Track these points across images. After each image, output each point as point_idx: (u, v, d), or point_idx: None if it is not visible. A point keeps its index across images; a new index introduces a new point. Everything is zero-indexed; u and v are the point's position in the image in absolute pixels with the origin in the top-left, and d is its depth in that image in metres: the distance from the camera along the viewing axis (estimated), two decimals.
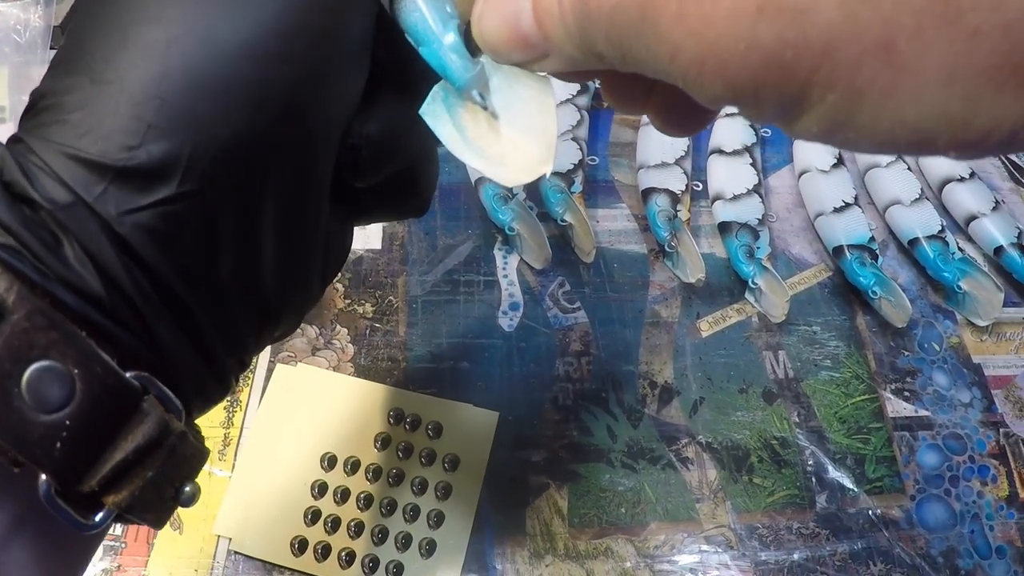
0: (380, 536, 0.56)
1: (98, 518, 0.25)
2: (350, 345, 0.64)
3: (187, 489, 0.27)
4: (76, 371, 0.23)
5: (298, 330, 0.64)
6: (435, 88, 0.26)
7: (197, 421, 0.30)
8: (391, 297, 0.67)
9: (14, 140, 0.25)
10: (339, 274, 0.66)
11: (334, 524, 0.56)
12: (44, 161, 0.23)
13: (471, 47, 0.25)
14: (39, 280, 0.23)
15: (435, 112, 0.26)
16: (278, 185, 0.27)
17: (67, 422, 0.23)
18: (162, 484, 0.26)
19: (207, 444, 0.58)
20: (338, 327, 0.65)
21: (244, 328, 0.28)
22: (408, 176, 0.34)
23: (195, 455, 0.27)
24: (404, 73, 0.30)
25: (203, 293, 0.26)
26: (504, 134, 0.25)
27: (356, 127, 0.30)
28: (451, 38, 0.25)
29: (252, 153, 0.26)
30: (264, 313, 0.29)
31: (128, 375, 0.24)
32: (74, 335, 0.23)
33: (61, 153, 0.24)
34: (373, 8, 0.28)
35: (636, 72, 0.21)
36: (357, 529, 0.56)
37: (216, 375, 0.28)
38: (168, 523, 0.55)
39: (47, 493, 0.23)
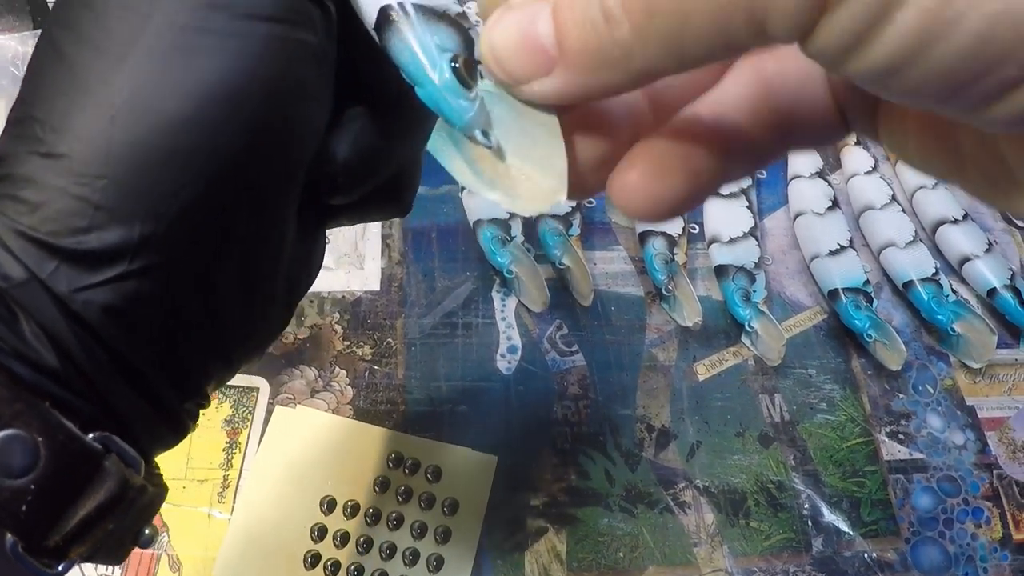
0: None
1: (61, 567, 0.25)
2: (349, 387, 0.65)
3: (146, 532, 0.28)
4: (40, 439, 0.23)
5: (297, 372, 0.64)
6: (439, 122, 0.25)
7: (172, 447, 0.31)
8: (390, 339, 0.67)
9: None
10: (338, 315, 0.67)
11: (334, 568, 0.57)
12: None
13: (465, 80, 0.24)
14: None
15: (442, 147, 0.25)
16: (236, 239, 0.27)
17: (32, 486, 0.23)
18: (122, 533, 0.26)
19: (206, 487, 0.58)
20: (337, 369, 0.65)
21: (202, 376, 0.29)
22: (389, 186, 0.34)
23: (154, 501, 0.28)
24: (383, 89, 0.30)
25: (160, 355, 0.27)
26: (513, 166, 0.25)
27: (332, 149, 0.30)
28: (444, 76, 0.24)
29: (206, 219, 0.26)
30: (224, 358, 0.29)
31: (90, 437, 0.25)
32: (37, 406, 0.24)
33: (13, 229, 0.24)
34: (331, 43, 0.28)
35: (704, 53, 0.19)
36: (357, 573, 0.57)
37: (172, 425, 0.28)
38: (168, 565, 0.55)
39: (14, 548, 0.24)
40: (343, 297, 0.69)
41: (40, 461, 0.23)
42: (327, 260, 0.68)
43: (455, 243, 0.73)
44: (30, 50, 0.77)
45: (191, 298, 0.27)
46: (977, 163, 0.21)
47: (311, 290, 0.67)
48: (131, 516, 0.26)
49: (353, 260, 0.70)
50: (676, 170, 0.23)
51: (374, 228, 0.72)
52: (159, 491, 0.28)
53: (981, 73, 0.16)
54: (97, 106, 0.24)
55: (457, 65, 0.24)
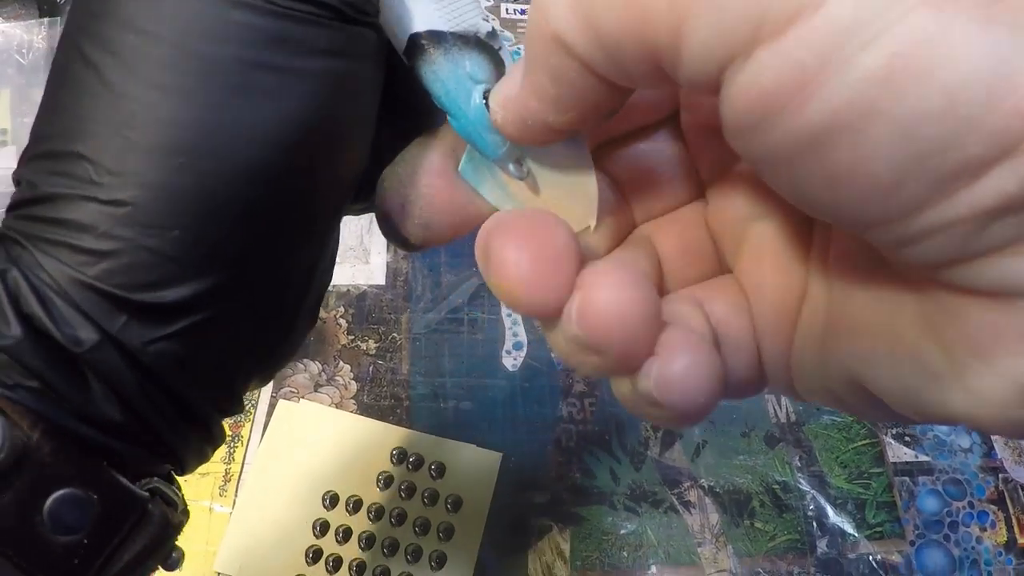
0: None
1: None
2: (353, 382, 0.64)
3: (173, 555, 0.27)
4: (96, 496, 0.23)
5: (300, 366, 0.64)
6: (470, 147, 0.25)
7: None
8: (394, 334, 0.67)
9: (14, 240, 0.23)
10: (343, 309, 0.66)
11: (335, 564, 0.56)
12: (59, 285, 0.22)
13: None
14: (64, 421, 0.23)
15: (475, 170, 0.25)
16: (295, 267, 0.26)
17: (84, 541, 0.23)
18: (155, 566, 0.26)
19: (208, 480, 0.58)
20: (341, 363, 0.65)
21: (244, 393, 0.28)
22: None
23: (183, 528, 0.28)
24: (409, 98, 0.30)
25: (220, 390, 0.26)
26: (544, 192, 0.25)
27: None
28: (475, 109, 0.24)
29: (273, 259, 0.25)
30: (269, 372, 0.29)
31: (139, 483, 0.25)
32: (95, 466, 0.23)
33: (76, 280, 0.22)
34: (381, 68, 0.26)
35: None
36: (358, 569, 0.56)
37: (213, 441, 0.28)
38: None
39: None
40: (348, 291, 0.68)
41: (93, 516, 0.23)
42: None
43: (461, 238, 0.72)
44: (35, 39, 0.76)
45: (254, 333, 0.26)
46: (908, 351, 0.19)
47: None
48: (167, 551, 0.26)
49: (359, 254, 0.70)
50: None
51: None
52: (186, 515, 0.28)
53: (944, 145, 0.15)
54: (161, 151, 0.22)
55: (489, 101, 0.23)
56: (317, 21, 0.23)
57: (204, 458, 0.28)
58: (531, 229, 0.21)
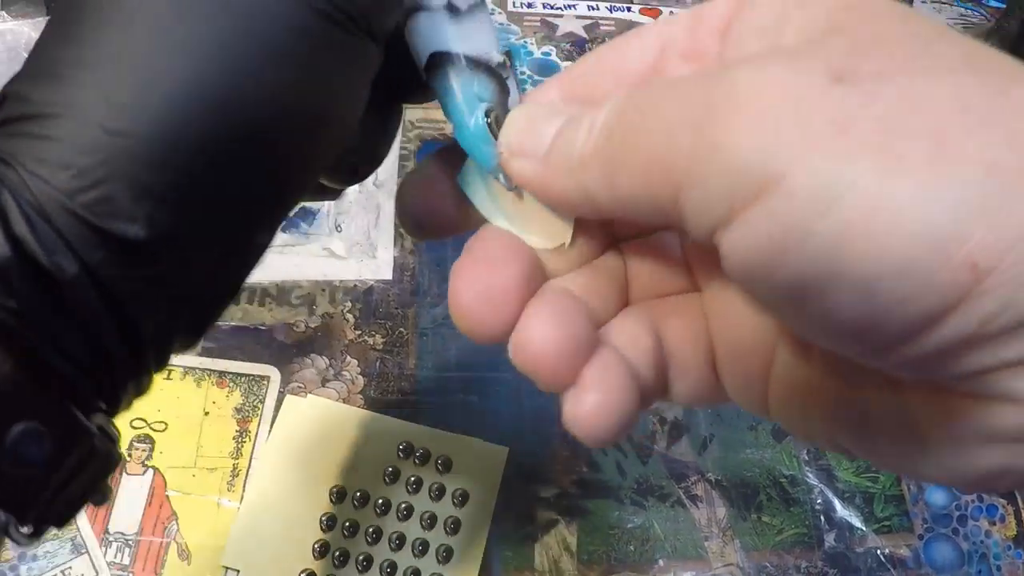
0: (389, 571, 0.56)
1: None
2: (360, 377, 0.64)
3: (104, 492, 0.28)
4: (53, 430, 0.23)
5: (308, 361, 0.64)
6: (468, 159, 0.28)
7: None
8: (401, 328, 0.67)
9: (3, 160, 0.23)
10: (350, 304, 0.66)
11: (343, 558, 0.56)
12: (44, 209, 0.22)
13: (495, 131, 0.27)
14: (39, 352, 0.23)
15: (470, 181, 0.28)
16: (251, 245, 0.27)
17: (39, 473, 0.24)
18: (88, 499, 0.27)
19: (216, 475, 0.58)
20: (348, 358, 0.65)
21: (172, 351, 0.29)
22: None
23: (119, 463, 0.28)
24: (391, 76, 0.30)
25: (163, 338, 0.26)
26: (527, 205, 0.27)
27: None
28: (478, 124, 0.27)
29: (241, 230, 0.26)
30: (192, 340, 0.29)
31: (91, 419, 0.25)
32: (57, 400, 0.24)
33: (62, 206, 0.22)
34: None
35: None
36: (366, 563, 0.56)
37: (141, 392, 0.28)
38: (177, 553, 0.55)
39: (3, 524, 0.24)
40: (355, 286, 0.68)
41: (49, 450, 0.24)
42: (339, 249, 0.68)
43: (468, 232, 0.73)
44: None
45: (204, 292, 0.27)
46: (883, 426, 0.22)
47: (323, 279, 0.67)
48: (102, 486, 0.27)
49: (365, 249, 0.70)
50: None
51: (387, 217, 0.71)
52: (121, 454, 0.29)
53: (903, 299, 0.16)
54: (179, 95, 0.23)
55: (490, 120, 0.27)
56: (339, 22, 0.24)
57: (129, 407, 0.28)
58: (485, 269, 0.25)
